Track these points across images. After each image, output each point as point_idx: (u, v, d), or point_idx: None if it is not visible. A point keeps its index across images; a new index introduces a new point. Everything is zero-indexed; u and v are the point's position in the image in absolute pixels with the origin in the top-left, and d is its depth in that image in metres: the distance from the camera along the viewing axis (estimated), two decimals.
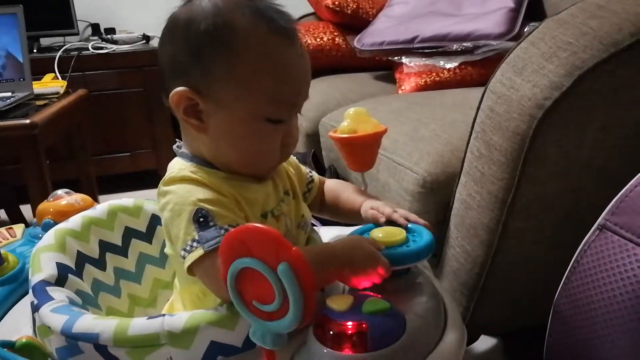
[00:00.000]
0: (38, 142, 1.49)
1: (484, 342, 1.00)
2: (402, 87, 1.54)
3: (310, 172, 0.79)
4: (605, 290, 0.58)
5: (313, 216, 0.77)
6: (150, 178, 2.42)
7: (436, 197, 0.93)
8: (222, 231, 0.56)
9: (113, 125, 2.31)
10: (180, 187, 0.60)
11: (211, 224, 0.56)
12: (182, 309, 0.68)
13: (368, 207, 0.69)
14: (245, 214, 0.61)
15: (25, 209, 2.01)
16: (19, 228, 0.91)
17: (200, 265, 0.57)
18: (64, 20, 2.37)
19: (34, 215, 1.54)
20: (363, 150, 0.76)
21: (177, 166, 0.64)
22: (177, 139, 0.69)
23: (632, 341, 0.56)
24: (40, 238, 0.85)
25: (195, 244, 0.56)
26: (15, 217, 2.02)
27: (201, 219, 0.57)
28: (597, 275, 0.59)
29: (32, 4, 1.75)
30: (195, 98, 0.60)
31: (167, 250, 0.66)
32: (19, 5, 1.71)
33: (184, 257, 0.57)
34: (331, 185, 0.79)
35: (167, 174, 0.63)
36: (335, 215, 0.78)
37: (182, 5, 0.62)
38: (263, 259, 0.44)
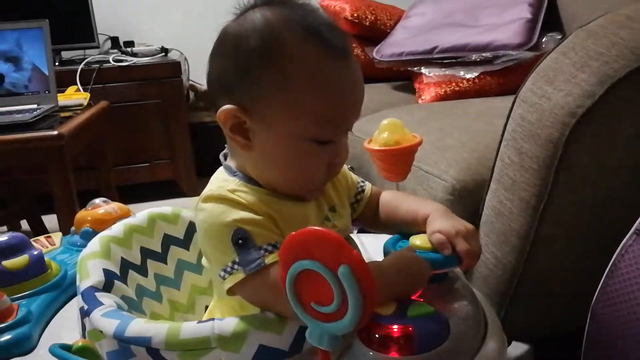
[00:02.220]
0: (64, 153, 1.52)
1: (516, 348, 1.01)
2: (422, 97, 1.57)
3: (363, 182, 0.76)
4: None
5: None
6: (168, 188, 2.47)
7: (465, 205, 0.95)
8: (262, 252, 0.56)
9: (132, 136, 2.34)
10: (216, 207, 0.59)
11: (250, 245, 0.56)
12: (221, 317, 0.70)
13: (436, 229, 0.63)
14: (282, 232, 0.59)
15: (47, 219, 2.04)
16: (57, 236, 0.93)
17: (243, 288, 0.57)
18: (85, 33, 2.42)
19: (59, 226, 1.57)
20: (400, 161, 0.78)
21: (218, 182, 0.64)
22: (225, 151, 0.69)
23: None
24: (78, 246, 0.88)
25: (236, 267, 0.57)
26: (37, 228, 2.05)
27: (240, 241, 0.57)
28: (636, 279, 0.61)
29: (54, 18, 1.78)
30: (242, 116, 0.59)
31: (204, 262, 0.67)
32: (44, 20, 1.75)
33: (223, 278, 0.58)
34: (388, 196, 0.75)
35: (207, 188, 0.63)
36: (391, 229, 0.72)
37: (234, 20, 0.62)
38: (324, 262, 0.46)
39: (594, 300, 0.66)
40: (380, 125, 0.78)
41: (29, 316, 0.69)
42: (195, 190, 2.37)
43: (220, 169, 0.67)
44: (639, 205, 0.67)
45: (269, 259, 0.56)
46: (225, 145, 0.68)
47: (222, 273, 0.58)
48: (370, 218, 0.75)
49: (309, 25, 0.58)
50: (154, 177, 2.39)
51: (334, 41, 0.59)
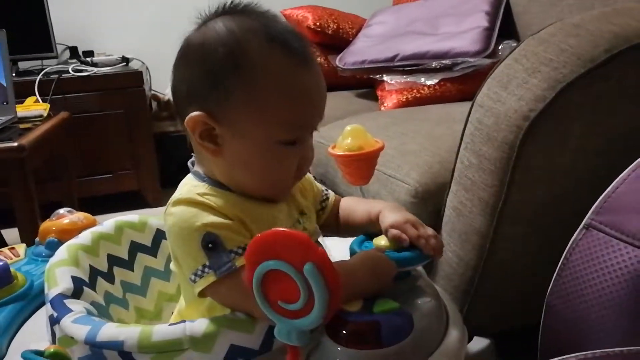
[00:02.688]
0: (26, 165, 1.50)
1: (478, 343, 1.04)
2: (385, 104, 1.60)
3: (326, 190, 0.79)
4: (595, 284, 0.63)
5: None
6: (132, 199, 2.43)
7: (427, 207, 0.98)
8: (232, 255, 0.58)
9: (95, 146, 2.30)
10: (186, 210, 0.60)
11: (220, 249, 0.58)
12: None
13: (388, 223, 0.67)
14: (252, 234, 0.61)
15: (7, 233, 1.99)
16: (20, 248, 0.92)
17: (214, 290, 0.59)
18: (43, 43, 2.37)
19: (20, 239, 1.53)
20: (363, 166, 0.80)
21: (187, 187, 0.65)
22: (192, 158, 0.69)
23: (622, 331, 0.61)
24: (44, 256, 0.87)
25: (207, 270, 0.58)
26: None
27: (210, 245, 0.58)
28: (586, 271, 0.64)
29: (10, 27, 1.75)
30: (210, 123, 0.60)
31: (172, 267, 0.67)
32: (1, 29, 1.72)
33: (194, 281, 0.59)
34: (345, 203, 0.79)
35: (176, 193, 0.64)
36: (351, 231, 0.75)
37: (196, 30, 0.63)
38: (290, 261, 0.48)
39: (548, 292, 0.69)
40: (343, 131, 0.80)
41: None
42: (159, 201, 2.34)
43: (189, 176, 0.68)
44: (590, 203, 0.70)
45: (239, 262, 0.57)
46: (192, 154, 0.69)
47: (193, 277, 0.59)
48: (333, 225, 0.78)
49: (272, 33, 0.60)
50: (118, 188, 2.35)
51: (296, 47, 0.61)
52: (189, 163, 0.69)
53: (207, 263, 0.58)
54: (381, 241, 0.68)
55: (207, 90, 0.60)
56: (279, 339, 0.52)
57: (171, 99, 2.20)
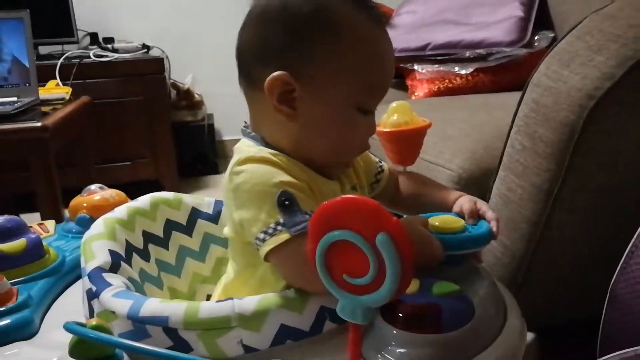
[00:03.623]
0: (49, 146, 1.47)
1: None
2: (415, 94, 1.56)
3: (380, 161, 0.77)
4: None
5: None
6: (149, 188, 2.39)
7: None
8: (307, 217, 0.55)
9: (113, 133, 2.29)
10: (260, 167, 0.58)
11: (296, 207, 0.55)
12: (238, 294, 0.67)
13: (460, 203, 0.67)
14: (316, 204, 0.60)
15: (27, 218, 1.96)
16: (50, 224, 0.89)
17: (283, 250, 0.55)
18: (64, 28, 2.36)
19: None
20: (410, 144, 0.77)
21: (253, 148, 0.62)
22: (243, 127, 0.67)
23: None
24: (74, 233, 0.84)
25: (279, 227, 0.55)
26: None
27: (286, 202, 0.55)
28: None
29: (32, 12, 1.72)
30: (292, 82, 0.59)
31: (228, 232, 0.65)
32: (25, 10, 1.70)
33: (262, 240, 0.55)
34: (407, 180, 0.77)
35: (240, 154, 0.61)
36: (413, 209, 0.73)
37: None
38: (359, 231, 0.44)
39: (613, 281, 0.65)
40: (388, 109, 0.77)
41: (29, 301, 0.65)
42: (177, 190, 2.31)
43: (246, 141, 0.65)
44: None
45: None
46: (245, 122, 0.67)
47: (263, 235, 0.55)
48: (390, 197, 0.76)
49: None
50: (136, 176, 2.33)
51: (377, 11, 0.61)
52: (242, 128, 0.67)
53: (282, 220, 0.55)
54: (436, 222, 0.64)
55: (288, 48, 0.59)
56: (342, 316, 0.48)
57: (191, 87, 2.17)
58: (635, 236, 0.65)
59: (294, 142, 0.62)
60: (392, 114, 0.77)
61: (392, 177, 0.76)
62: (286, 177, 0.57)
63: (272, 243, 0.55)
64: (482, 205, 0.66)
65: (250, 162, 0.59)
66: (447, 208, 0.68)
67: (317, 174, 0.63)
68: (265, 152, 0.60)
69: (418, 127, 0.75)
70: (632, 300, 0.63)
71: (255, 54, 0.62)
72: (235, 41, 0.64)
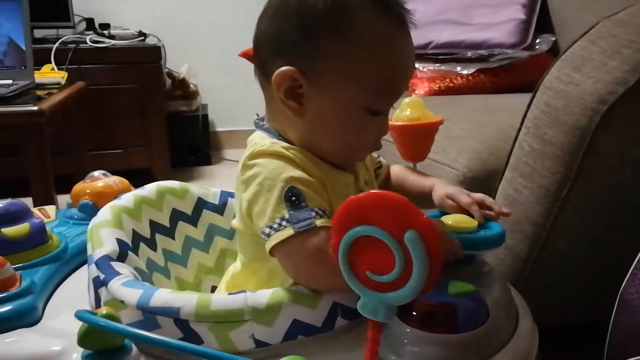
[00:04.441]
0: (44, 131, 1.44)
1: None
2: (416, 92, 1.56)
3: (379, 157, 0.78)
4: None
5: None
6: (141, 177, 2.37)
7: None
8: (313, 213, 0.55)
9: (106, 121, 2.26)
10: (271, 161, 0.58)
11: (303, 204, 0.55)
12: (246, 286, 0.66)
13: (443, 194, 0.66)
14: (329, 198, 0.59)
15: None
16: (51, 209, 0.87)
17: (286, 246, 0.55)
18: (60, 12, 2.32)
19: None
20: (421, 140, 0.77)
21: (266, 141, 0.62)
22: (256, 119, 0.67)
23: None
24: (76, 219, 0.83)
25: (284, 223, 0.54)
26: None
27: (293, 198, 0.55)
28: None
29: None
30: (300, 79, 0.58)
31: (237, 224, 0.64)
32: None
33: (268, 235, 0.55)
34: (396, 170, 0.78)
35: (253, 147, 0.60)
36: None
37: None
38: (386, 227, 0.43)
39: (623, 286, 0.65)
40: (401, 104, 0.77)
41: (33, 287, 0.63)
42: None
43: (260, 133, 0.65)
44: None
45: (319, 222, 0.54)
46: (257, 114, 0.67)
47: (268, 230, 0.55)
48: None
49: None
50: (128, 164, 2.29)
51: (397, 9, 0.59)
52: (255, 121, 0.66)
53: (287, 216, 0.55)
54: (449, 221, 0.64)
55: (300, 44, 0.58)
56: (363, 313, 0.47)
57: (187, 77, 2.14)
58: None
59: (303, 136, 0.62)
60: (405, 109, 0.77)
61: (387, 171, 0.77)
62: (296, 173, 0.57)
63: (276, 238, 0.55)
64: (462, 197, 0.65)
65: (262, 156, 0.59)
66: (426, 194, 0.69)
67: (332, 166, 0.62)
68: (278, 145, 0.60)
69: (430, 123, 0.75)
70: None
71: (269, 45, 0.61)
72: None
